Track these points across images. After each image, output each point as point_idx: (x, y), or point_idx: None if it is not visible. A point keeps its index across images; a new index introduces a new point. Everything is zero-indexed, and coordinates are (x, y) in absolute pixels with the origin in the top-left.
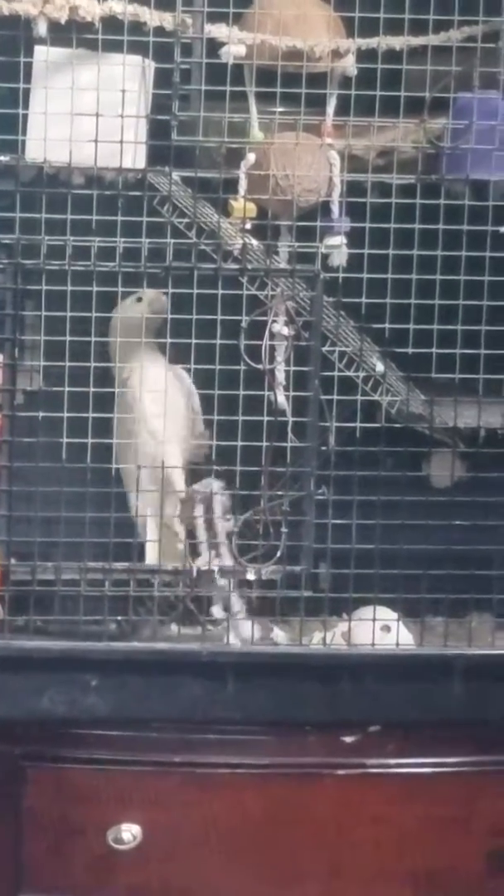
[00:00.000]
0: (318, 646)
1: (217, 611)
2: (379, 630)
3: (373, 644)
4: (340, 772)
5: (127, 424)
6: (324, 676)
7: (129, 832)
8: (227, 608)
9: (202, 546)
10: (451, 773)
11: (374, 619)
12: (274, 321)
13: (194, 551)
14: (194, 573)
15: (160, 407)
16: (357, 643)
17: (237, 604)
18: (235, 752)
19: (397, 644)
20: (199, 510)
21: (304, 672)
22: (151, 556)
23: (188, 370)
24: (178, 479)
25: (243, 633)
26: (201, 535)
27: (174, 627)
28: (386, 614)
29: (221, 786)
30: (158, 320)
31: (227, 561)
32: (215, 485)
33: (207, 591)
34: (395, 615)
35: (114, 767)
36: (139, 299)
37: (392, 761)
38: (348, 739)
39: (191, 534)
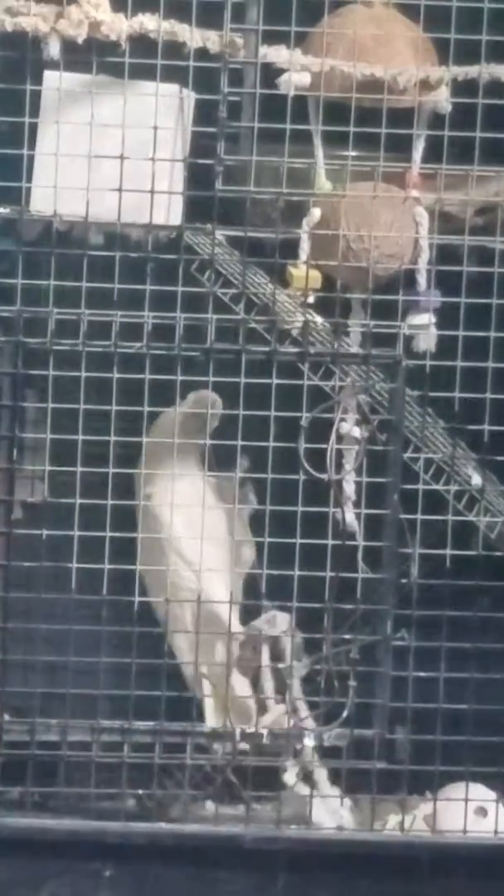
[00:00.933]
0: (395, 831)
1: (290, 777)
2: (472, 813)
3: (464, 831)
4: None
5: (153, 548)
6: (402, 869)
7: None
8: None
9: (270, 700)
10: None
11: (466, 800)
12: (342, 419)
13: (261, 707)
14: (237, 736)
15: (195, 528)
16: (444, 829)
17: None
18: None
19: (496, 831)
20: (264, 653)
21: (376, 864)
22: (211, 717)
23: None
24: (230, 617)
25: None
26: (268, 685)
27: (210, 805)
28: (481, 793)
29: None
30: (200, 424)
31: (306, 716)
32: (280, 618)
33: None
34: (493, 794)
35: None
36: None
37: None
38: None
39: (253, 684)
